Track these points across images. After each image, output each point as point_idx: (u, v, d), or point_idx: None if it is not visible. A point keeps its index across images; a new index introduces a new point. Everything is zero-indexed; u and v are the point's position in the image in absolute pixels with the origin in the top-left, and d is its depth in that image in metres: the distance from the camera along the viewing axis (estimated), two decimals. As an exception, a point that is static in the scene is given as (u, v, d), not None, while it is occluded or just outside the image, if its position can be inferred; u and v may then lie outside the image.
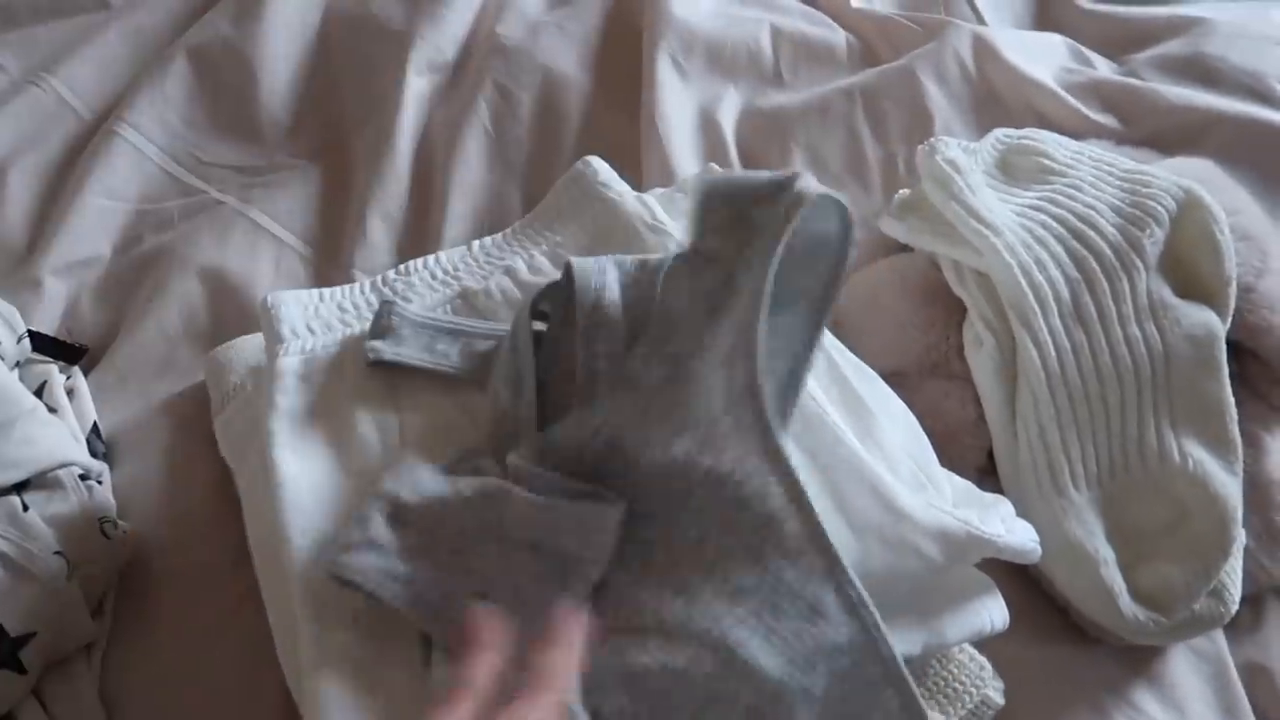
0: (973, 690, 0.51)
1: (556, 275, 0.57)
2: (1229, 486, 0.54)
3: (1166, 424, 0.56)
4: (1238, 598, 0.55)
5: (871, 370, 0.55)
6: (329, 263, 0.76)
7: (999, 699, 0.52)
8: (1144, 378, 0.56)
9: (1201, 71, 0.78)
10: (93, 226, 0.77)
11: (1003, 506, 0.49)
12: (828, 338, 0.57)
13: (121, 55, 0.87)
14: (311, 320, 0.57)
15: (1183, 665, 0.57)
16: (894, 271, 0.62)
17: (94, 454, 0.67)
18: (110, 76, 0.86)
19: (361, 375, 0.55)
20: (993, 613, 0.50)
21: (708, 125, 0.80)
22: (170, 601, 0.61)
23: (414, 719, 0.40)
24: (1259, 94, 0.76)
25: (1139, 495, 0.55)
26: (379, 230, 0.76)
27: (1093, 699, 0.55)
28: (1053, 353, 0.57)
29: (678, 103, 0.80)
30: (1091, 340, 0.57)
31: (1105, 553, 0.54)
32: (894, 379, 0.55)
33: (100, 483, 0.65)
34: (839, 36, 0.86)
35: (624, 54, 0.85)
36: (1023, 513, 0.51)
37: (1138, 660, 0.57)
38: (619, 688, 0.38)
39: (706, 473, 0.43)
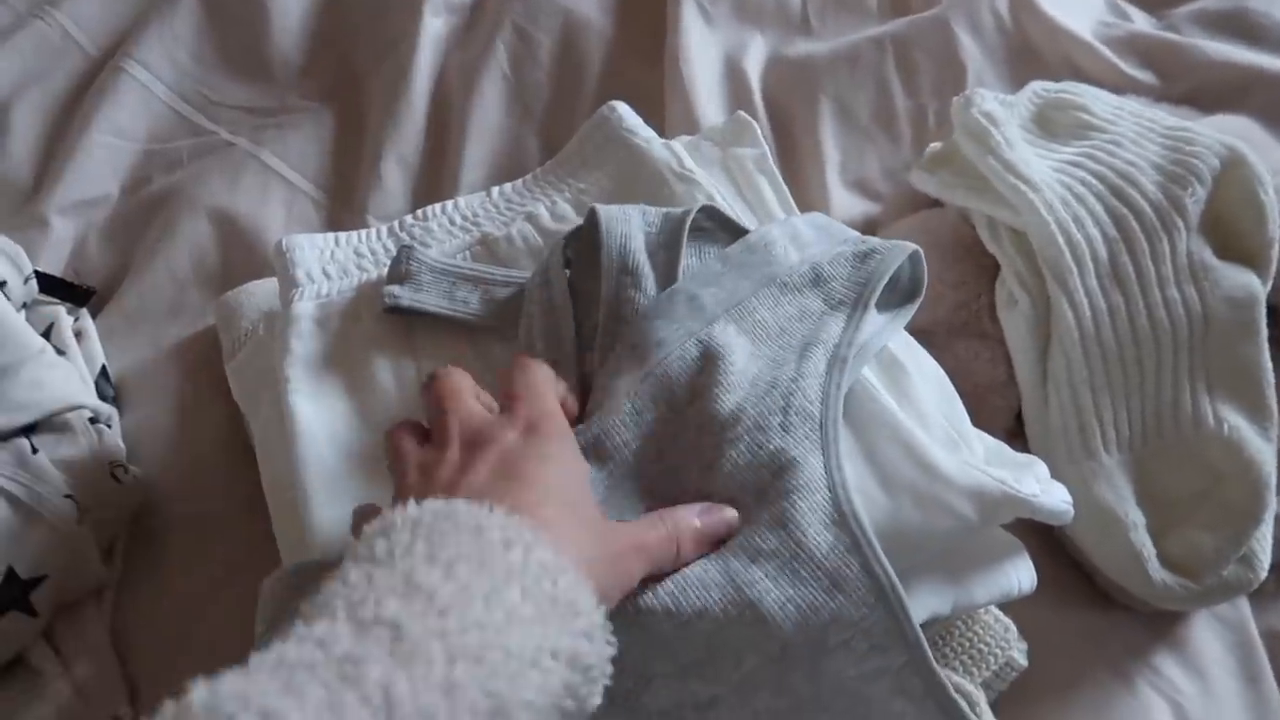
0: (997, 652, 0.50)
1: (579, 222, 0.56)
2: (1264, 453, 0.53)
3: (1202, 388, 0.54)
4: (1267, 565, 0.54)
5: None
6: (343, 207, 0.75)
7: (1023, 661, 0.51)
8: (1181, 340, 0.55)
9: (1244, 27, 0.76)
10: (100, 166, 0.76)
11: (1038, 467, 0.48)
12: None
13: (128, -11, 0.85)
14: (327, 265, 0.55)
15: (1206, 632, 0.56)
16: (924, 227, 0.61)
17: (103, 397, 0.66)
18: (116, 12, 0.84)
19: (378, 321, 0.54)
20: (1021, 575, 0.49)
21: (733, 73, 0.78)
22: (181, 548, 0.61)
23: None
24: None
25: (1171, 460, 0.54)
26: (394, 175, 0.75)
27: (1115, 663, 0.55)
28: (1088, 313, 0.55)
29: (702, 49, 0.78)
30: (1129, 301, 0.55)
31: (1135, 517, 0.53)
32: (922, 337, 0.53)
33: (109, 426, 0.64)
34: (870, -16, 0.83)
35: (647, -3, 0.82)
36: (1051, 475, 0.50)
37: (1161, 626, 0.56)
38: (625, 628, 0.37)
39: (748, 432, 0.42)
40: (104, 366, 0.68)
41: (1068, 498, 0.48)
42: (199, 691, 0.28)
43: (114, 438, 0.63)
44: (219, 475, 0.63)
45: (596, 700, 0.35)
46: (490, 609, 0.32)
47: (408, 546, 0.33)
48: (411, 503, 0.35)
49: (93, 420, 0.62)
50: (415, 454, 0.41)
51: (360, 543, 0.34)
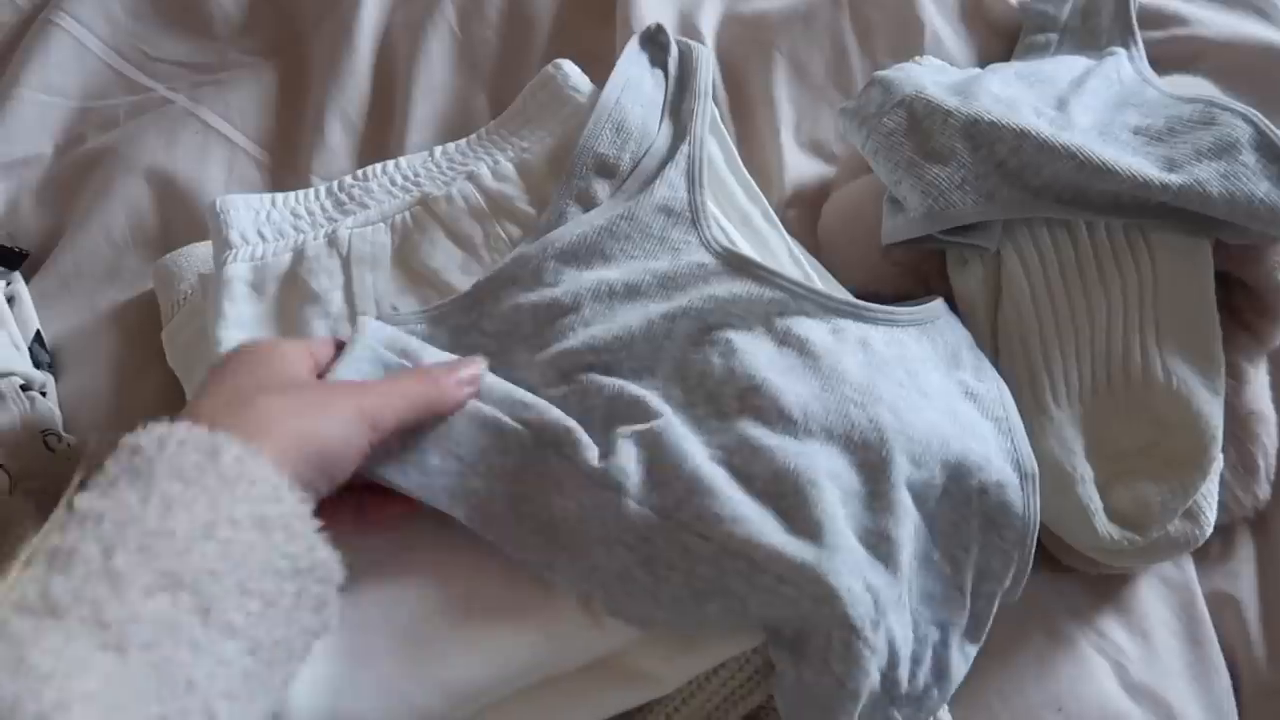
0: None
1: (520, 181, 0.55)
2: (1211, 405, 0.53)
3: (1152, 339, 0.54)
4: (1212, 521, 0.54)
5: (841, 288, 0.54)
6: (285, 168, 0.73)
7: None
8: (1131, 292, 0.55)
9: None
10: (32, 123, 0.74)
11: None
12: (802, 253, 0.55)
13: (59, -60, 0.82)
14: (263, 226, 0.54)
15: (1150, 594, 0.56)
16: (876, 189, 0.60)
17: (37, 364, 0.64)
18: (48, -35, 0.81)
19: (314, 283, 0.52)
20: None
21: (687, 31, 0.76)
22: None
23: None
24: (1260, 11, 0.73)
25: (1120, 412, 0.54)
26: (337, 134, 0.73)
27: (1058, 625, 0.55)
28: (1038, 265, 0.55)
29: (657, 6, 0.76)
30: (1079, 252, 0.55)
31: (1083, 470, 0.53)
32: (869, 299, 0.53)
33: (44, 394, 0.62)
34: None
35: (598, -47, 0.80)
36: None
37: (1106, 588, 0.56)
38: (626, 546, 0.40)
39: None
40: (38, 332, 0.66)
41: None
42: None
43: (48, 405, 0.62)
44: None
45: (311, 546, 0.35)
46: (143, 503, 0.33)
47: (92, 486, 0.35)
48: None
49: (24, 388, 0.60)
50: None
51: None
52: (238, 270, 0.52)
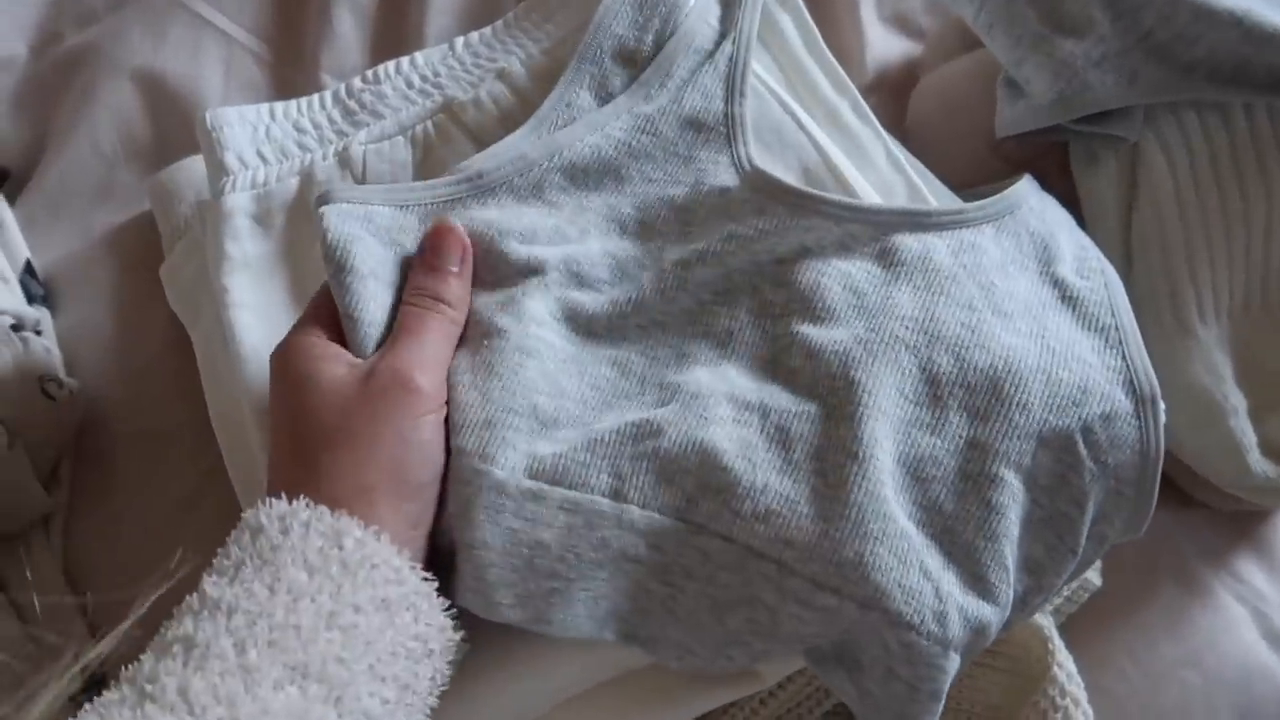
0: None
1: (557, 80, 0.46)
2: (1388, 318, 0.45)
3: (1321, 242, 0.46)
4: (1382, 451, 0.47)
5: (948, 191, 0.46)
6: (290, 64, 0.65)
7: (1097, 579, 0.46)
8: (1297, 185, 0.46)
9: None
10: (1, 21, 0.65)
11: None
12: (902, 153, 0.47)
13: None
14: (263, 145, 0.46)
15: None
16: (978, 72, 0.50)
17: (30, 298, 0.59)
18: None
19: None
20: None
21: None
22: (133, 468, 0.55)
23: None
24: None
25: (1277, 330, 0.46)
26: (347, 22, 0.65)
27: (1190, 571, 0.50)
28: (1185, 157, 0.46)
29: None
30: (1235, 141, 0.46)
31: (1235, 400, 0.46)
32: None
33: (39, 332, 0.57)
34: None
35: None
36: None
37: (1243, 524, 0.51)
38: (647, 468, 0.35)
39: None
40: (28, 261, 0.60)
41: None
42: None
43: (45, 346, 0.55)
44: (171, 384, 0.56)
45: (441, 622, 0.35)
46: (274, 595, 0.33)
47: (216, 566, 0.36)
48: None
49: (15, 328, 0.54)
50: None
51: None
52: (238, 201, 0.44)
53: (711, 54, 0.45)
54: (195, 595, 0.34)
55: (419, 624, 0.35)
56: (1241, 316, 0.47)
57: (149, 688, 0.31)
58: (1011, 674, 0.42)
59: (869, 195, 0.43)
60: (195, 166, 0.58)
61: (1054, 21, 0.45)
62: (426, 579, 0.35)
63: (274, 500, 0.35)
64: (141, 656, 0.34)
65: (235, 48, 0.65)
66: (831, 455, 0.36)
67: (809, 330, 0.38)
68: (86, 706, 0.32)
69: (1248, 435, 0.46)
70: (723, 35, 0.45)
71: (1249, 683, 0.47)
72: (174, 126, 0.63)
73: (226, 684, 0.31)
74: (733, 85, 0.44)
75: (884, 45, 0.61)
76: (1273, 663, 0.48)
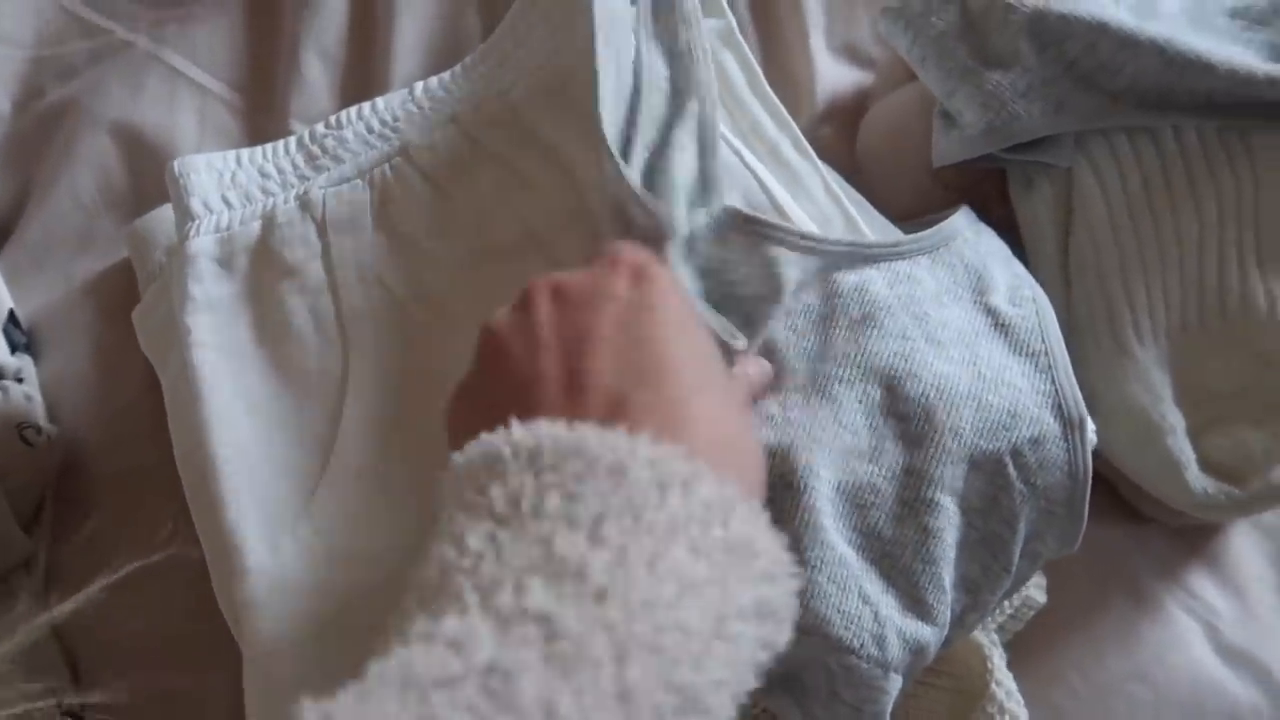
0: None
1: (510, 122, 0.48)
2: (1321, 336, 0.46)
3: (1252, 262, 0.47)
4: (1320, 464, 0.48)
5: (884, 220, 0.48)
6: (262, 111, 0.67)
7: (1041, 597, 0.46)
8: (1228, 205, 0.47)
9: None
10: (-14, 79, 0.67)
11: None
12: (840, 186, 0.48)
13: None
14: (227, 190, 0.48)
15: (1244, 543, 0.52)
16: (923, 98, 0.52)
17: (13, 346, 0.60)
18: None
19: (289, 254, 0.46)
20: None
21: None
22: (115, 509, 0.56)
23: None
24: None
25: (1214, 349, 0.47)
26: (316, 69, 0.66)
27: (1141, 585, 0.51)
28: (1117, 180, 0.48)
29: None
30: (1166, 163, 0.47)
31: (1173, 419, 0.47)
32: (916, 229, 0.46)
33: (21, 380, 0.58)
34: None
35: None
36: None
37: (1193, 539, 0.52)
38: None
39: None
40: (11, 311, 0.61)
41: None
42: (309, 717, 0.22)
43: (25, 393, 0.57)
44: (150, 427, 0.56)
45: (787, 637, 0.28)
46: (657, 581, 0.24)
47: (536, 501, 0.25)
48: (518, 427, 0.27)
49: (-3, 376, 0.56)
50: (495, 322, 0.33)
51: (465, 481, 0.26)
52: (202, 245, 0.46)
53: (679, 113, 0.43)
54: (525, 543, 0.24)
55: (780, 635, 0.27)
56: (1180, 336, 0.48)
57: (498, 685, 0.22)
58: (955, 692, 0.43)
59: (807, 226, 0.44)
60: (170, 214, 0.59)
61: (982, 55, 0.47)
62: (794, 575, 0.28)
63: (634, 438, 0.26)
64: (459, 583, 0.24)
65: (209, 97, 0.67)
66: (770, 489, 0.37)
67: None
68: (419, 628, 0.23)
69: (1185, 453, 0.46)
70: (677, 84, 0.44)
71: (1199, 697, 0.48)
72: (151, 176, 0.64)
73: (600, 714, 0.23)
74: (705, 144, 0.42)
75: (834, 75, 0.62)
76: (1222, 676, 0.48)
